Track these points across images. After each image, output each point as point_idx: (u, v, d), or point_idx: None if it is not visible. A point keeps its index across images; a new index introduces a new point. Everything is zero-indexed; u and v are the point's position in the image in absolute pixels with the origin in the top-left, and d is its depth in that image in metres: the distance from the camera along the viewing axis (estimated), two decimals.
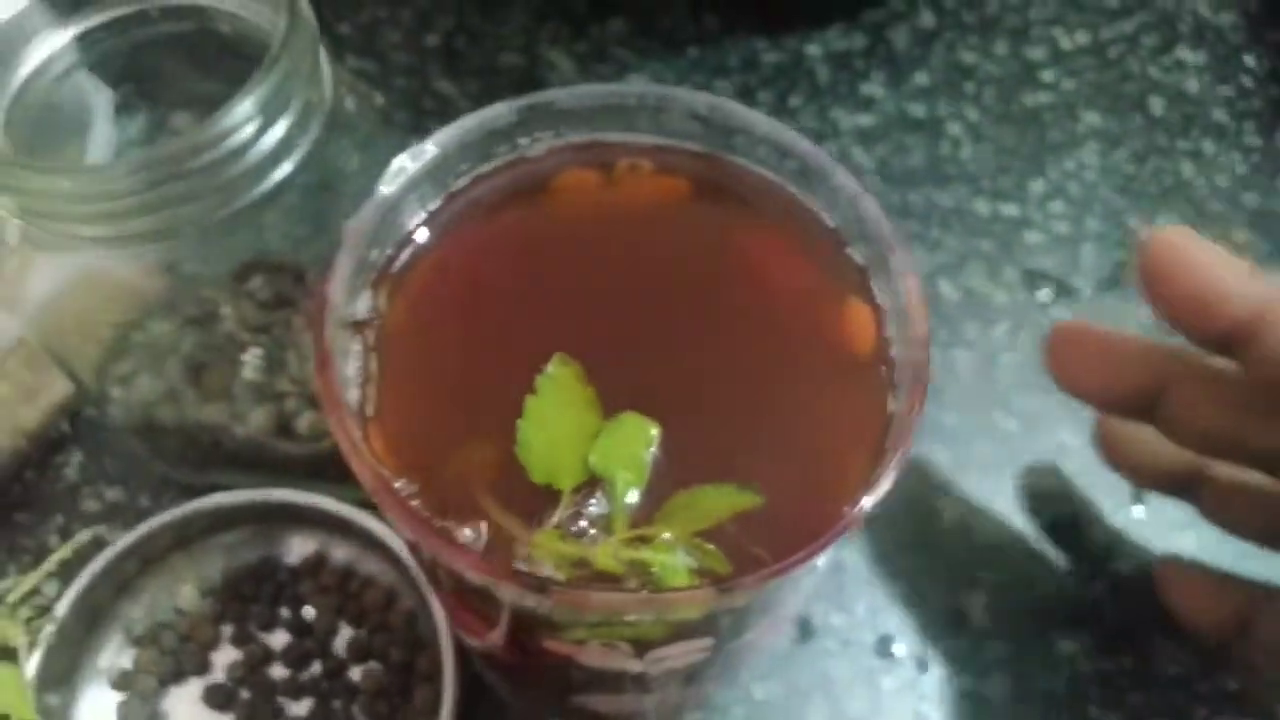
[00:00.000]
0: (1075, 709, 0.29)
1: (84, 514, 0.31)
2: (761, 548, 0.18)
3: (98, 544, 0.28)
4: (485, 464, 0.19)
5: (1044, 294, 0.35)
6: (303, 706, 0.27)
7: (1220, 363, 0.24)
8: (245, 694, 0.27)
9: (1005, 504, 0.31)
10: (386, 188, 0.20)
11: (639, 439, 0.19)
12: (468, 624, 0.22)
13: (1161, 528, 0.31)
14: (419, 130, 0.38)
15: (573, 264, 0.22)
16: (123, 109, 0.28)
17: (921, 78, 0.40)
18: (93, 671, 0.28)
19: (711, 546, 0.18)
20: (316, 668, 0.28)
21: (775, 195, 0.22)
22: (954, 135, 0.39)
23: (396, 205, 0.21)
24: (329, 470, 0.29)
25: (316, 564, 0.29)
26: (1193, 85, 0.40)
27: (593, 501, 0.19)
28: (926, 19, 0.42)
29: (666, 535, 0.18)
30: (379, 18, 0.41)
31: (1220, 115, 0.40)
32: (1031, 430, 0.33)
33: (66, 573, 0.28)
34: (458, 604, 0.22)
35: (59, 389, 0.32)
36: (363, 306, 0.21)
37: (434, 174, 0.21)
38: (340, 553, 0.29)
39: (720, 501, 0.18)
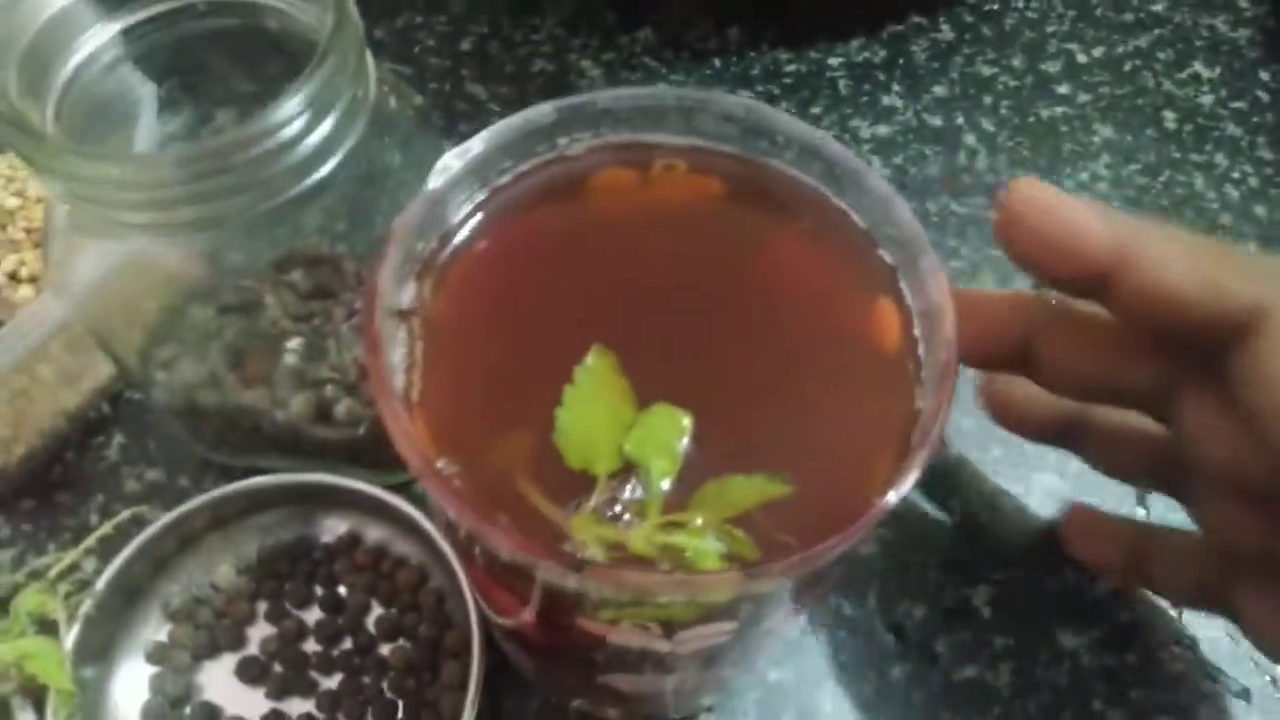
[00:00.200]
0: (1079, 703, 0.29)
1: (124, 494, 0.32)
2: (789, 536, 0.19)
3: (137, 522, 0.29)
4: (524, 450, 0.20)
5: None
6: (333, 681, 0.28)
7: (1086, 307, 0.23)
8: (278, 668, 0.28)
9: (1013, 502, 0.32)
10: (434, 183, 0.21)
11: (673, 429, 0.20)
12: (499, 603, 0.23)
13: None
14: (453, 132, 0.39)
15: (609, 260, 0.23)
16: (167, 104, 0.29)
17: (940, 89, 0.41)
18: (129, 646, 0.29)
19: (741, 533, 0.19)
20: (348, 644, 0.29)
21: (807, 196, 0.22)
22: (970, 146, 0.40)
23: (443, 200, 0.22)
24: (364, 455, 0.30)
25: (350, 544, 0.30)
26: (1207, 99, 0.41)
27: (627, 489, 0.20)
28: (945, 32, 0.43)
29: (698, 521, 0.19)
30: (414, 23, 0.42)
31: (1233, 129, 0.40)
32: None
33: (106, 550, 0.29)
34: (491, 583, 0.23)
35: (101, 372, 0.33)
36: (408, 296, 0.21)
37: (478, 171, 0.22)
38: (373, 534, 0.30)
39: (750, 491, 0.19)
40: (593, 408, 0.20)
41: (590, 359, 0.20)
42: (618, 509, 0.19)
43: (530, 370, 0.21)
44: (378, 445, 0.29)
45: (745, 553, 0.19)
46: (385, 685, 0.28)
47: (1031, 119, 0.40)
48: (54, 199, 0.24)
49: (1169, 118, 0.41)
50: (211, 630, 0.29)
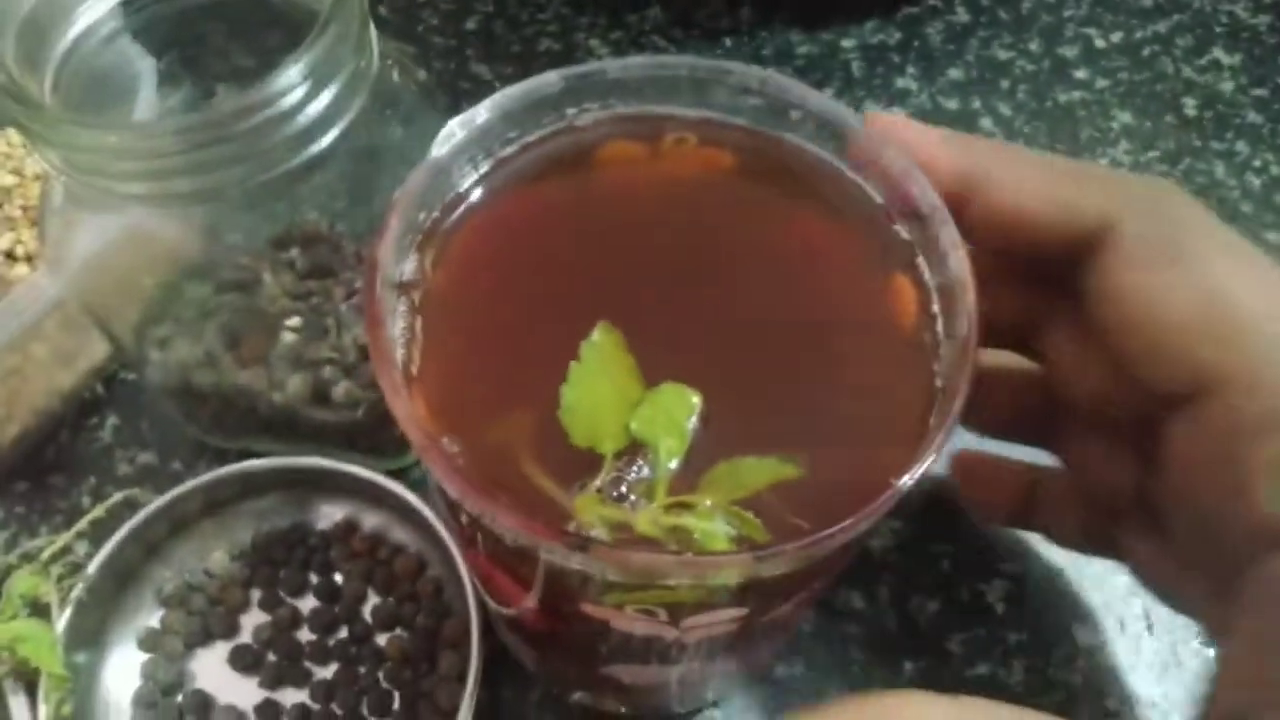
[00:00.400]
0: (1093, 701, 0.29)
1: (117, 477, 0.31)
2: (801, 519, 0.18)
3: (130, 505, 0.29)
4: (526, 427, 0.19)
5: None
6: (328, 671, 0.27)
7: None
8: (272, 657, 0.28)
9: None
10: (438, 151, 0.21)
11: (681, 407, 0.19)
12: (501, 589, 0.23)
13: None
14: (457, 112, 0.38)
15: (616, 234, 0.22)
16: (166, 78, 0.28)
17: (955, 73, 0.40)
18: (121, 631, 0.28)
19: (751, 515, 0.18)
20: (343, 633, 0.28)
21: (822, 170, 0.22)
22: (987, 130, 0.39)
23: (447, 169, 0.21)
24: (361, 440, 0.29)
25: (347, 530, 0.29)
26: (1227, 86, 0.40)
27: (634, 468, 0.19)
28: (961, 15, 0.42)
29: (707, 503, 0.18)
30: (418, 1, 0.41)
31: (1254, 116, 0.39)
32: None
33: (98, 534, 0.28)
34: (492, 569, 0.22)
35: (95, 352, 0.32)
36: (409, 268, 0.21)
37: (483, 140, 0.21)
38: (370, 520, 0.29)
39: (761, 472, 0.19)
40: (599, 385, 0.19)
41: (596, 335, 0.19)
42: (624, 489, 0.19)
43: (534, 346, 0.20)
44: (376, 429, 0.29)
45: (755, 535, 0.18)
46: (381, 676, 0.27)
47: (1049, 104, 0.39)
48: (51, 171, 0.24)
49: (1189, 104, 0.40)
50: (204, 617, 0.28)
